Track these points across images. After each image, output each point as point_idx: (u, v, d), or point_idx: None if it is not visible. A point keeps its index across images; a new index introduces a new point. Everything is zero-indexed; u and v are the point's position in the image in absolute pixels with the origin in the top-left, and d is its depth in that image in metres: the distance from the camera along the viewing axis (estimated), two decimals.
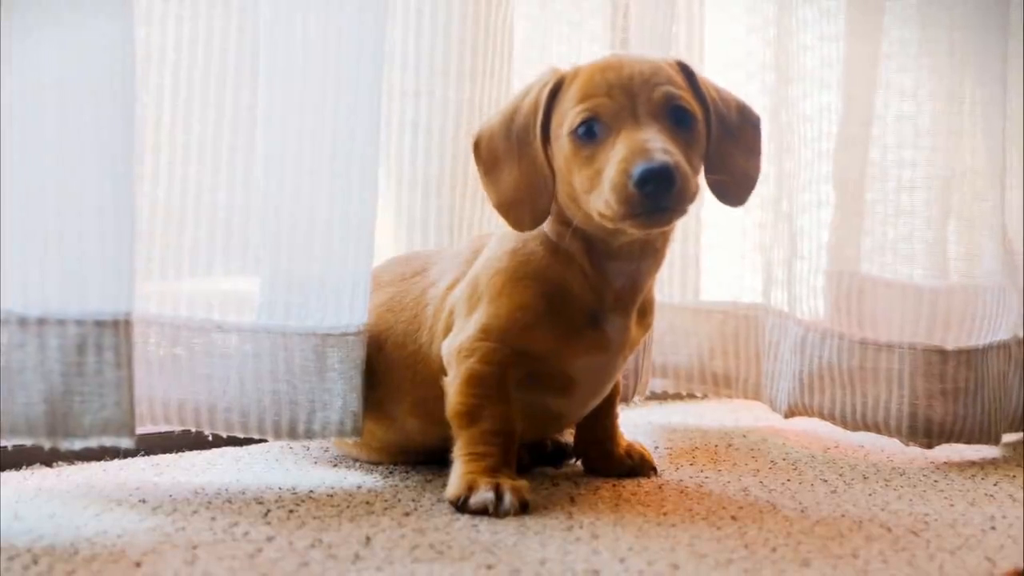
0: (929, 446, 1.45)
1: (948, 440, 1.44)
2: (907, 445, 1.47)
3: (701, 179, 1.14)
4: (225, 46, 1.21)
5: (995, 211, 1.51)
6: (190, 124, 1.21)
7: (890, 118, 1.50)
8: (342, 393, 1.19)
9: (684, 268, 1.68)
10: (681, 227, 1.66)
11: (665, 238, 1.17)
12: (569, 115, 1.10)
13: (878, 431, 1.47)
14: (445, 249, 1.34)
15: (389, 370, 1.22)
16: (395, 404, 1.23)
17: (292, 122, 1.18)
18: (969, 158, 1.51)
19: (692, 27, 1.64)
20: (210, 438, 1.26)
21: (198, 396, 1.19)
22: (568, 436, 1.35)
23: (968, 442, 1.45)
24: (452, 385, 1.15)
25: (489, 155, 1.16)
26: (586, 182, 1.08)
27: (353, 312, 1.20)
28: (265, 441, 1.35)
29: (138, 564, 0.91)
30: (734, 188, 1.17)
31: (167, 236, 1.20)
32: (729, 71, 1.68)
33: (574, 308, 1.15)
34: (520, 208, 1.14)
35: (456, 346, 1.15)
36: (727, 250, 1.72)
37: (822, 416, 1.50)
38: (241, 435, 1.21)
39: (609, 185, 1.04)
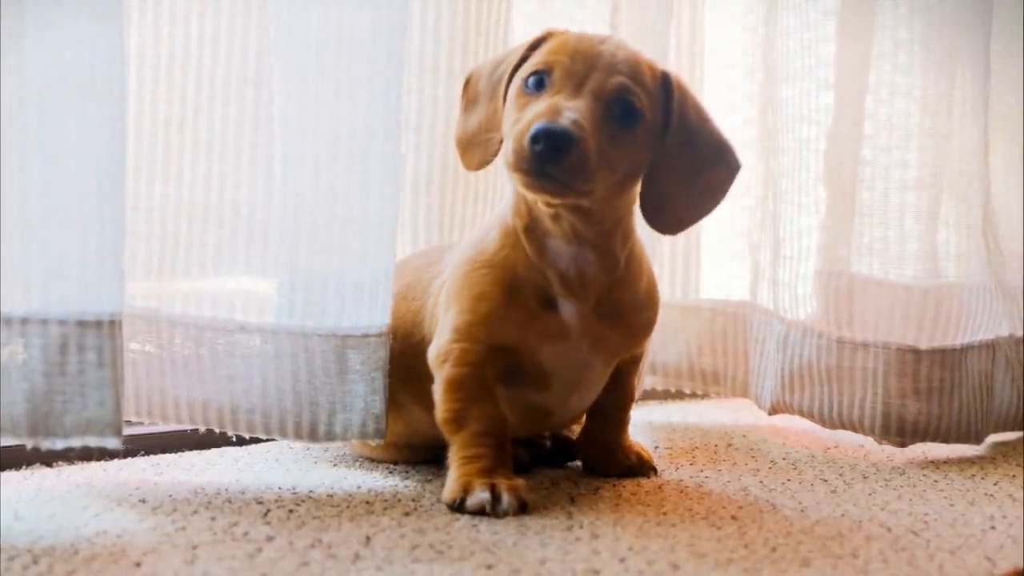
0: (902, 445, 1.45)
1: (923, 439, 1.45)
2: (880, 444, 1.47)
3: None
4: (246, 43, 1.21)
5: (977, 211, 1.51)
6: (212, 122, 1.21)
7: (878, 117, 1.50)
8: (363, 395, 1.19)
9: (673, 265, 1.67)
10: None
11: (599, 232, 1.14)
12: (529, 63, 1.11)
13: (853, 429, 1.47)
14: (459, 242, 1.34)
15: (400, 357, 1.22)
16: (404, 392, 1.23)
17: (309, 119, 1.18)
18: (956, 157, 1.51)
19: (682, 27, 1.63)
20: (233, 438, 1.26)
21: (221, 396, 1.19)
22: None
23: (945, 441, 1.45)
24: (437, 392, 1.15)
25: (473, 93, 1.19)
26: (510, 129, 1.08)
27: (374, 312, 1.20)
28: (268, 441, 1.35)
29: (138, 564, 0.91)
30: (670, 215, 1.16)
31: (191, 235, 1.21)
32: (727, 71, 1.68)
33: (527, 291, 1.14)
34: (473, 148, 1.17)
35: (435, 352, 1.16)
36: (717, 248, 1.71)
37: (802, 414, 1.50)
38: (263, 436, 1.21)
39: (514, 134, 1.05)
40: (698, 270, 1.69)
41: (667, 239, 1.65)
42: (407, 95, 1.39)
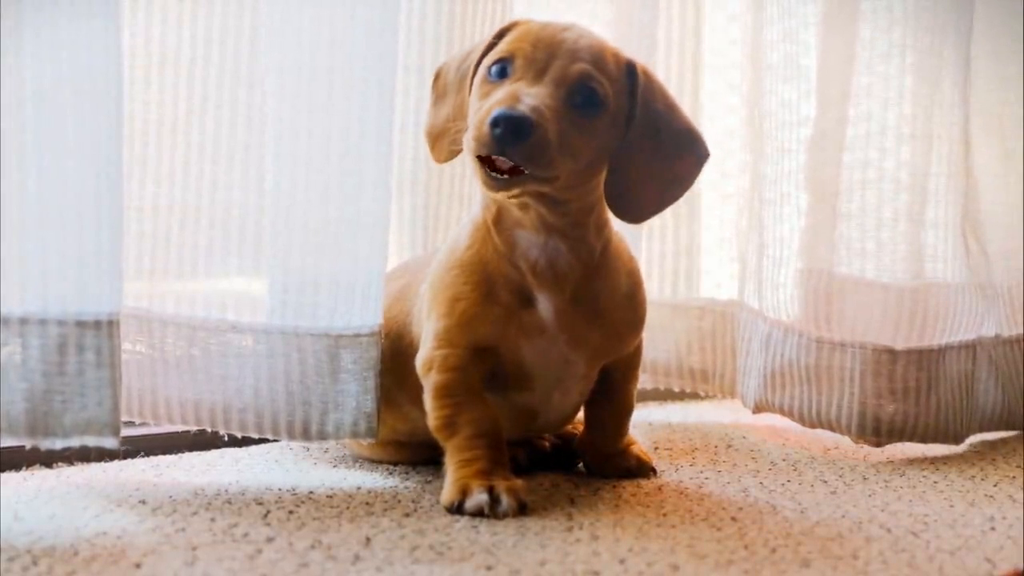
0: (878, 444, 1.46)
1: (900, 439, 1.45)
2: (856, 443, 1.48)
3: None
4: (238, 44, 1.21)
5: (957, 211, 1.51)
6: (204, 123, 1.21)
7: (860, 118, 1.50)
8: (355, 395, 1.20)
9: (663, 263, 1.67)
10: (658, 224, 1.65)
11: (570, 222, 1.13)
12: (492, 53, 1.12)
13: (831, 429, 1.47)
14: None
15: (394, 358, 1.23)
16: (399, 391, 1.23)
17: (302, 120, 1.18)
18: (936, 158, 1.51)
19: (672, 23, 1.62)
20: (226, 437, 1.26)
21: (214, 396, 1.19)
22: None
23: (923, 441, 1.46)
24: (426, 401, 1.15)
25: (442, 86, 1.19)
26: (473, 117, 1.08)
27: (366, 312, 1.20)
28: (268, 441, 1.35)
29: (138, 565, 0.91)
30: (634, 203, 1.15)
31: (183, 236, 1.21)
32: (728, 71, 1.68)
33: (502, 287, 1.14)
34: (442, 140, 1.17)
35: (421, 360, 1.16)
36: (717, 248, 1.71)
37: (783, 412, 1.51)
38: (256, 435, 1.21)
39: (475, 121, 1.06)
40: (691, 269, 1.69)
41: (665, 236, 1.65)
42: None
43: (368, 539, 1.00)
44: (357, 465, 1.31)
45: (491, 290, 1.14)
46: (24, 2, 1.00)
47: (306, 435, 1.20)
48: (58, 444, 1.03)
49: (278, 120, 1.19)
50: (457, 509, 1.09)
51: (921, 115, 1.49)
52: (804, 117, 1.52)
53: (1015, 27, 1.61)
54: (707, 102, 1.66)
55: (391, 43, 1.20)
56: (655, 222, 1.64)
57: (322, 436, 1.21)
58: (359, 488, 1.19)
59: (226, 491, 1.16)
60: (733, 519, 1.10)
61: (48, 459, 1.24)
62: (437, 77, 1.20)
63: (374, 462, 1.32)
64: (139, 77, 1.20)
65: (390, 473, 1.27)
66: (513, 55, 1.09)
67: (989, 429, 1.57)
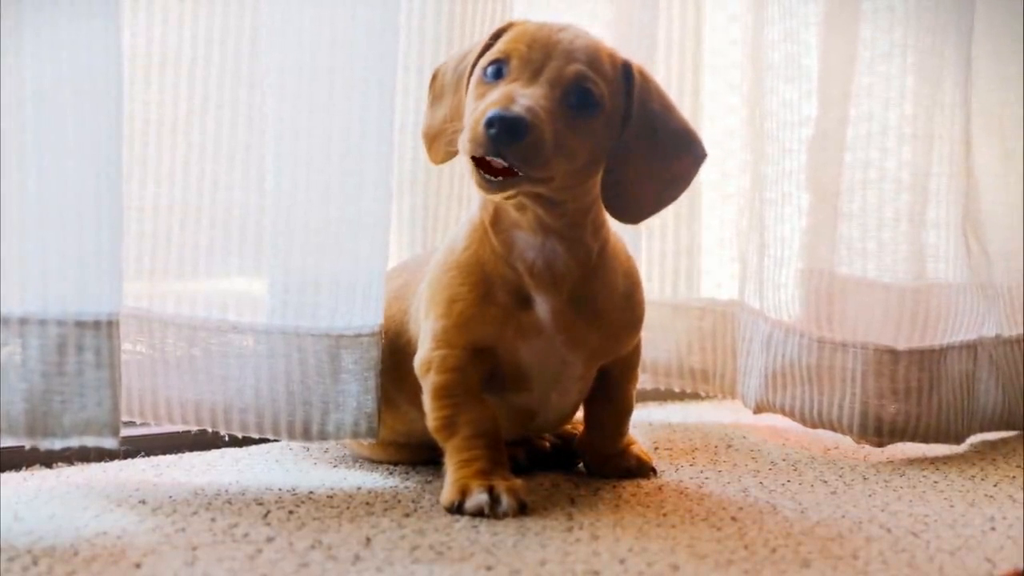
0: (880, 444, 1.46)
1: (901, 439, 1.46)
2: (858, 443, 1.48)
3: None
4: (239, 44, 1.21)
5: (958, 211, 1.52)
6: (205, 123, 1.21)
7: (862, 119, 1.50)
8: (356, 395, 1.20)
9: (663, 264, 1.67)
10: (659, 224, 1.65)
11: (567, 223, 1.13)
12: (488, 53, 1.12)
13: (832, 429, 1.48)
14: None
15: (391, 357, 1.23)
16: (397, 391, 1.23)
17: (302, 120, 1.18)
18: (938, 159, 1.51)
19: (673, 23, 1.62)
20: (226, 437, 1.26)
21: (215, 396, 1.20)
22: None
23: (924, 441, 1.47)
24: (425, 401, 1.15)
25: (439, 87, 1.19)
26: (469, 118, 1.08)
27: (366, 312, 1.20)
28: (268, 441, 1.35)
29: (138, 565, 0.91)
30: (631, 204, 1.15)
31: (183, 236, 1.21)
32: (729, 71, 1.68)
33: (499, 287, 1.14)
34: (438, 140, 1.17)
35: (419, 361, 1.16)
36: (718, 249, 1.71)
37: (784, 413, 1.51)
38: (256, 435, 1.22)
39: (470, 122, 1.06)
40: (691, 269, 1.69)
41: (665, 236, 1.65)
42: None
43: (368, 539, 1.00)
44: (357, 465, 1.31)
45: (489, 291, 1.14)
46: (24, 2, 1.00)
47: (306, 435, 1.21)
48: (58, 444, 1.03)
49: (279, 120, 1.19)
50: (457, 509, 1.09)
51: (922, 115, 1.50)
52: (805, 117, 1.52)
53: (1016, 27, 1.61)
54: (707, 102, 1.66)
55: (391, 43, 1.21)
56: (655, 222, 1.64)
57: (323, 436, 1.21)
58: (359, 488, 1.20)
59: (226, 491, 1.16)
60: (733, 519, 1.10)
61: (48, 459, 1.24)
62: (434, 78, 1.20)
63: (374, 462, 1.32)
64: (139, 77, 1.20)
65: (390, 473, 1.27)
66: (509, 56, 1.09)
67: (989, 429, 1.58)
